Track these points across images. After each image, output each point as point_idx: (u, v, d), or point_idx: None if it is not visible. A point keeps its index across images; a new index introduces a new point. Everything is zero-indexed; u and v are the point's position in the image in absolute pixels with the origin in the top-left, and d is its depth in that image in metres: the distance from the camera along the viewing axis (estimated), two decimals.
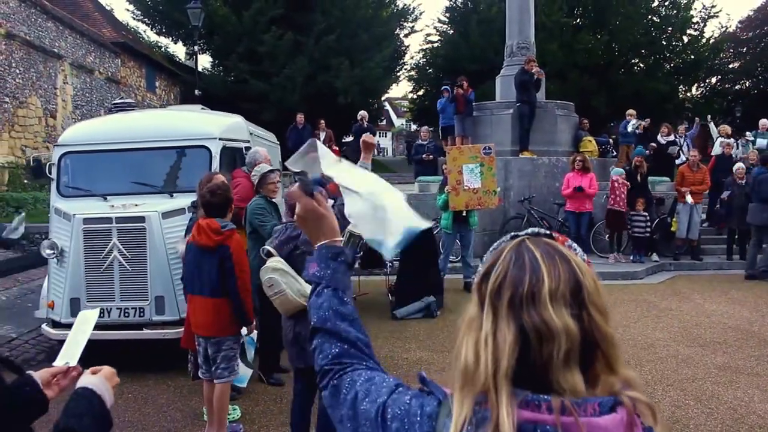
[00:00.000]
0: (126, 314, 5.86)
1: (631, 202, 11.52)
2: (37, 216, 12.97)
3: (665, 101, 27.98)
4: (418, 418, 1.11)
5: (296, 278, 3.68)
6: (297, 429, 4.14)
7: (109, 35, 21.85)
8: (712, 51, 30.05)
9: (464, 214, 9.42)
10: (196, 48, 21.89)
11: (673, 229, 12.11)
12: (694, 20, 29.28)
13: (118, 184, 6.50)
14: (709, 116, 17.18)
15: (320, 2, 24.26)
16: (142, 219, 5.88)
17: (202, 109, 8.56)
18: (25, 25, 16.12)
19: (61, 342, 5.47)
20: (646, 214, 11.61)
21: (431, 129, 16.38)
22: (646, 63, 29.08)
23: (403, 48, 31.46)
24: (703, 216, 12.60)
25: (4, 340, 7.00)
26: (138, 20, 27.07)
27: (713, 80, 34.84)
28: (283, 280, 3.67)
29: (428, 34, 34.47)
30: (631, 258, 11.66)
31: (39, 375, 1.53)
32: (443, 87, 15.68)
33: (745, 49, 34.85)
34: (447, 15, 31.70)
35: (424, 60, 33.12)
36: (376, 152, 35.31)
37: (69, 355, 1.67)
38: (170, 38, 28.19)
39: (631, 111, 15.44)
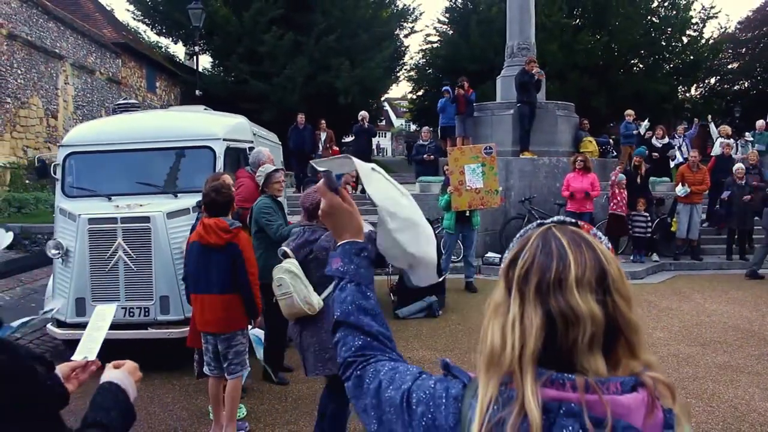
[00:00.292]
0: (131, 314, 5.90)
1: (632, 203, 11.57)
2: (39, 216, 13.01)
3: (665, 101, 28.06)
4: (444, 400, 1.13)
5: (306, 285, 3.71)
6: None
7: (109, 36, 21.88)
8: (712, 51, 30.11)
9: (467, 214, 9.46)
10: (196, 48, 21.91)
11: (673, 229, 12.16)
12: (694, 21, 29.35)
13: (123, 184, 6.53)
14: (709, 116, 17.22)
15: (320, 2, 24.28)
16: (147, 219, 5.91)
17: (205, 109, 8.60)
18: (26, 26, 16.16)
19: (66, 341, 5.51)
20: (647, 214, 11.66)
21: (432, 129, 16.40)
22: (646, 63, 29.14)
23: (403, 48, 31.50)
24: (703, 216, 12.65)
25: (8, 339, 7.03)
26: (138, 20, 27.11)
27: (712, 81, 34.94)
28: (292, 283, 3.71)
29: (428, 35, 34.56)
30: (632, 258, 11.70)
31: (59, 369, 1.57)
32: (444, 87, 15.74)
33: (744, 50, 34.93)
34: (447, 15, 31.72)
35: (424, 60, 33.16)
36: (375, 152, 35.27)
37: (87, 349, 1.71)
38: (170, 38, 28.23)
39: (629, 111, 15.49)
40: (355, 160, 1.48)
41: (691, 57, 28.89)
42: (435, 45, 32.19)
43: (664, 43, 29.00)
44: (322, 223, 3.76)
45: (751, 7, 51.86)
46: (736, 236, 12.19)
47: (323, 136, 16.28)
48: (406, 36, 31.81)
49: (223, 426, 4.56)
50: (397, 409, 1.17)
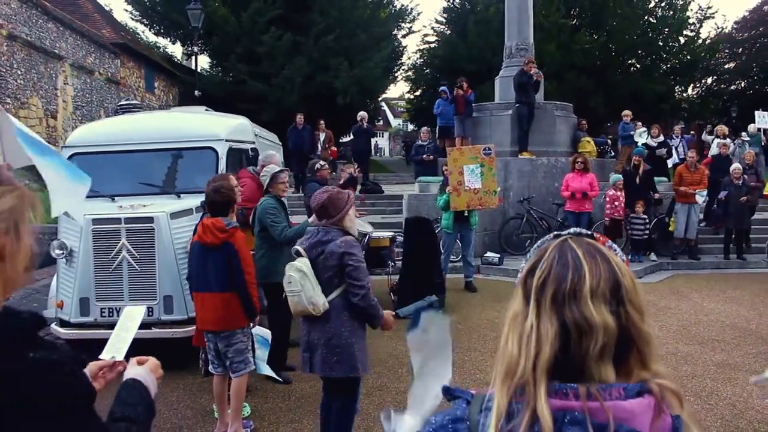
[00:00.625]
0: None
1: (631, 203, 11.63)
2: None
3: (662, 101, 28.13)
4: (450, 426, 1.16)
5: (313, 285, 3.77)
6: None
7: (108, 36, 21.89)
8: (708, 51, 30.19)
9: (465, 214, 9.52)
10: (195, 49, 21.96)
11: (671, 228, 12.23)
12: (691, 21, 29.42)
13: (126, 185, 6.58)
14: (707, 129, 17.39)
15: (318, 3, 24.30)
16: (150, 219, 5.96)
17: (206, 110, 8.65)
18: (26, 26, 16.17)
19: (70, 341, 5.55)
20: (645, 216, 11.71)
21: (430, 130, 16.47)
22: (643, 63, 29.19)
23: (401, 48, 31.53)
24: (701, 216, 12.73)
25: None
26: (136, 20, 27.12)
27: (709, 80, 35.00)
28: (300, 281, 3.77)
29: (425, 35, 34.57)
30: (630, 258, 11.76)
31: (87, 368, 1.62)
32: (441, 88, 15.81)
33: (740, 50, 35.03)
34: (444, 15, 31.72)
35: (422, 60, 33.19)
36: (373, 152, 35.22)
37: (115, 349, 1.77)
38: (168, 39, 28.24)
39: (626, 112, 15.55)
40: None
41: (688, 57, 28.97)
42: (433, 45, 32.22)
43: (661, 43, 29.07)
44: (334, 224, 3.85)
45: (748, 7, 52.05)
46: (733, 236, 12.27)
47: (322, 136, 16.33)
48: (404, 36, 31.90)
49: (227, 424, 4.62)
50: None
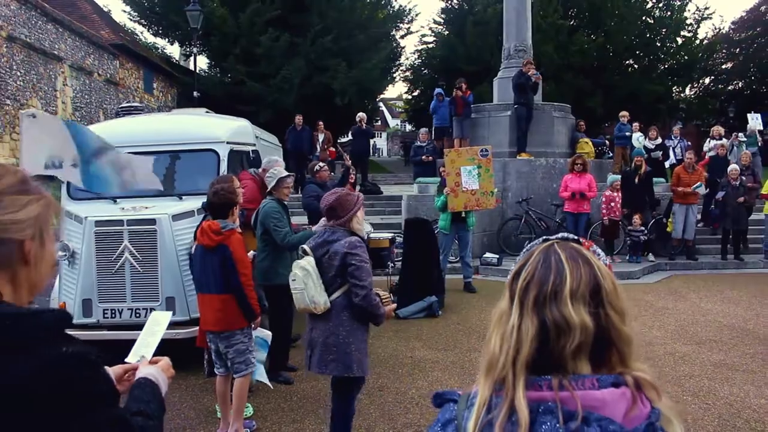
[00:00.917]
0: (137, 314, 5.98)
1: (630, 203, 11.67)
2: None
3: (659, 102, 28.22)
4: (440, 430, 1.22)
5: (316, 284, 3.83)
6: None
7: (107, 37, 21.89)
8: (706, 52, 30.30)
9: (463, 215, 9.58)
10: (194, 50, 21.98)
11: (668, 229, 12.30)
12: (688, 22, 29.50)
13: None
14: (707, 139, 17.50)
15: (317, 4, 24.31)
16: (152, 221, 6.00)
17: (207, 112, 8.70)
18: (25, 28, 16.19)
19: None
20: (643, 228, 11.77)
21: (429, 130, 16.53)
22: (641, 64, 29.27)
23: (399, 49, 31.55)
24: (699, 216, 12.80)
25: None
26: (135, 21, 27.10)
27: (707, 81, 35.13)
28: (304, 280, 3.83)
29: (423, 35, 34.59)
30: (628, 258, 11.83)
31: (113, 370, 1.66)
32: (437, 90, 15.90)
33: (737, 50, 35.19)
34: (442, 16, 31.78)
35: (420, 61, 33.23)
36: (371, 152, 35.32)
37: (140, 353, 1.82)
38: (167, 39, 28.22)
39: (624, 113, 15.62)
40: None
41: (686, 57, 29.06)
42: (431, 46, 32.26)
43: (659, 44, 29.15)
44: (343, 225, 3.91)
45: (745, 7, 52.17)
46: (730, 236, 12.34)
47: (321, 137, 16.40)
48: (402, 37, 31.91)
49: (230, 424, 4.67)
50: None
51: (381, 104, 53.71)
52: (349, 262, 3.78)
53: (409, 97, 36.85)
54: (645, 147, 13.92)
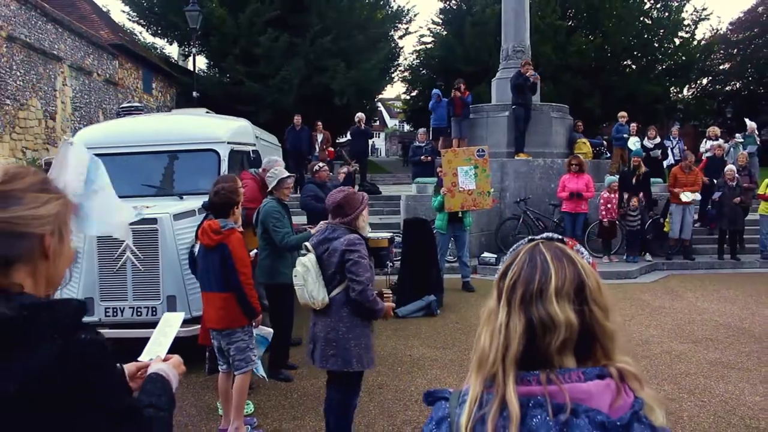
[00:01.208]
0: (138, 313, 6.03)
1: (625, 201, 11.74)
2: None
3: (657, 102, 28.30)
4: (434, 429, 1.27)
5: (315, 281, 3.90)
6: None
7: (106, 37, 21.92)
8: (704, 53, 30.39)
9: (459, 215, 9.64)
10: (193, 50, 22.03)
11: (666, 229, 12.36)
12: (686, 23, 29.59)
13: (129, 186, 6.64)
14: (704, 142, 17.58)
15: (315, 4, 24.35)
16: (154, 221, 6.04)
17: (207, 112, 8.75)
18: (25, 28, 16.22)
19: None
20: (638, 212, 11.78)
21: (428, 131, 16.61)
22: (639, 65, 29.35)
23: (398, 49, 31.60)
24: (695, 216, 12.87)
25: None
26: (134, 21, 27.12)
27: (704, 81, 35.24)
28: (304, 276, 3.91)
29: (422, 36, 34.65)
30: (625, 258, 11.88)
31: (126, 368, 1.72)
32: (434, 91, 15.97)
33: (735, 51, 35.30)
34: (441, 16, 31.85)
35: (418, 61, 33.28)
36: (369, 152, 35.44)
37: (153, 352, 1.88)
38: (166, 40, 28.24)
39: (622, 113, 15.67)
40: None
41: (684, 58, 29.14)
42: (429, 46, 32.32)
43: (656, 45, 29.24)
44: (347, 224, 3.97)
45: (742, 8, 52.31)
46: (727, 236, 12.40)
47: (320, 137, 16.45)
48: (400, 37, 31.92)
49: (231, 421, 4.72)
50: None
51: (379, 104, 53.78)
52: (347, 258, 3.86)
53: (408, 97, 36.95)
54: (644, 146, 13.99)
